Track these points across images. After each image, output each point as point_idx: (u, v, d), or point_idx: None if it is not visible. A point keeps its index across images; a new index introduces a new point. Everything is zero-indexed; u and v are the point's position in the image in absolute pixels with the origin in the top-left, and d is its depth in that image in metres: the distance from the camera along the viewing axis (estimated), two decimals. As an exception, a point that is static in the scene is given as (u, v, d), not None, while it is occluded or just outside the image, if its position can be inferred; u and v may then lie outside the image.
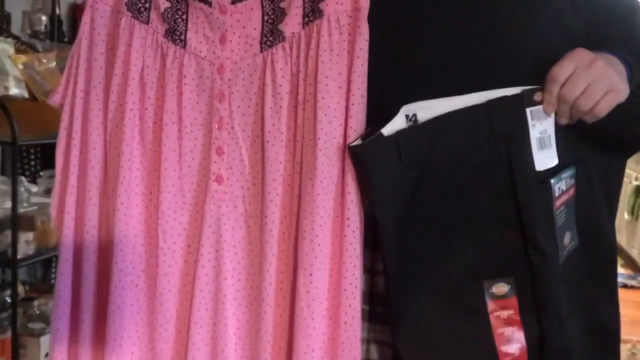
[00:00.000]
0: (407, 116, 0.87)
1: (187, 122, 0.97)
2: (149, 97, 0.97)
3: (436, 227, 0.88)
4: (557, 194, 0.88)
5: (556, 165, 0.89)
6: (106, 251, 1.00)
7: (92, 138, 0.98)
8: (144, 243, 0.99)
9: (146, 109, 0.97)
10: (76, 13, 2.71)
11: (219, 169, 0.96)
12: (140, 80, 0.97)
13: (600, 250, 0.96)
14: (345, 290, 0.90)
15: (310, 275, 0.90)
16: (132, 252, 0.98)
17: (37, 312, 2.23)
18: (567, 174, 0.91)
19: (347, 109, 0.92)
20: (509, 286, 0.86)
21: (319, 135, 0.90)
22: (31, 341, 2.08)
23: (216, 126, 0.96)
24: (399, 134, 0.86)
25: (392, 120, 0.87)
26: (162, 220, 0.97)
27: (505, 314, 0.85)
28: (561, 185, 0.89)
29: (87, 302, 1.00)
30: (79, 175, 0.99)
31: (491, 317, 0.85)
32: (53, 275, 2.50)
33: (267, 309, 0.93)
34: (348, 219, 0.91)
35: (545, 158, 0.88)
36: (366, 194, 0.90)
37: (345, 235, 0.90)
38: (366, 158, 0.87)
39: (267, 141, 0.93)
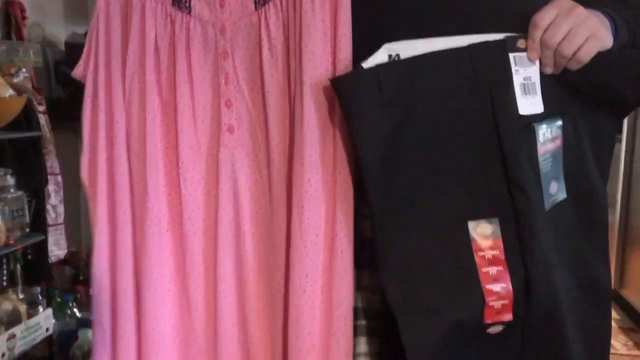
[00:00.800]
0: (390, 56, 0.87)
1: (197, 81, 1.05)
2: (163, 61, 1.06)
3: (420, 167, 0.87)
4: (541, 139, 0.88)
5: (542, 115, 0.90)
6: (133, 201, 1.09)
7: (116, 102, 1.08)
8: (170, 193, 1.07)
9: (162, 72, 1.06)
10: (8, 9, 2.67)
11: (230, 120, 1.04)
12: (155, 47, 1.05)
13: (591, 209, 0.96)
14: (341, 222, 0.96)
15: (302, 207, 0.97)
16: (162, 199, 1.06)
17: (-10, 313, 2.14)
18: (554, 124, 0.91)
19: (333, 54, 0.96)
20: (494, 227, 0.85)
21: (305, 80, 0.96)
22: (-14, 341, 1.99)
23: (223, 82, 1.04)
24: (380, 67, 0.86)
25: (374, 56, 0.87)
26: (182, 170, 1.06)
27: (490, 254, 0.84)
28: (546, 132, 0.89)
29: (125, 253, 1.08)
30: (106, 136, 1.08)
31: (476, 256, 0.84)
32: (5, 279, 2.40)
33: (279, 240, 1.02)
34: (335, 160, 0.96)
35: (529, 104, 0.88)
36: (349, 129, 0.89)
37: (340, 173, 0.97)
38: (347, 90, 0.87)
39: (267, 91, 1.01)
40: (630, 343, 2.74)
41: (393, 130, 0.86)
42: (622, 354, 2.65)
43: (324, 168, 0.96)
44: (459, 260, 0.85)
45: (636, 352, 2.66)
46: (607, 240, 1.00)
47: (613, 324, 2.87)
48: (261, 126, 1.03)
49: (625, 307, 2.99)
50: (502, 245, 0.84)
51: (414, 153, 0.87)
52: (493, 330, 0.87)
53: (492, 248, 0.84)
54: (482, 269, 0.83)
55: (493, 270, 0.83)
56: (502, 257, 0.84)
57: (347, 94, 0.87)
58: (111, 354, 1.09)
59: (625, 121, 3.09)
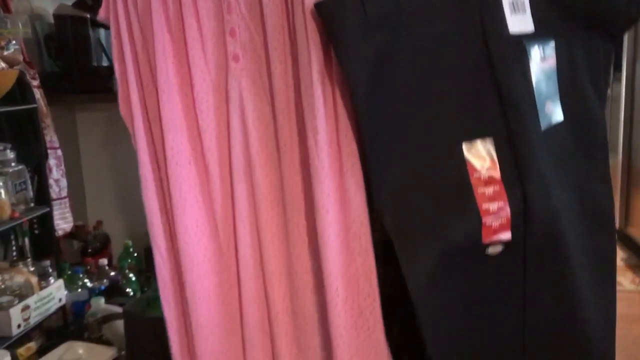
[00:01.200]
0: None
1: (202, 13, 1.08)
2: None
3: (411, 90, 0.87)
4: (533, 58, 0.87)
5: (534, 35, 0.89)
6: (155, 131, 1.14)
7: (137, 37, 1.11)
8: (188, 125, 1.11)
9: (168, 7, 1.09)
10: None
11: (234, 49, 1.06)
12: None
13: (589, 130, 0.95)
14: (343, 142, 0.98)
15: (316, 127, 0.97)
16: (180, 133, 1.10)
17: (2, 286, 2.16)
18: (546, 43, 0.90)
19: None
20: (488, 147, 0.85)
21: None
22: (0, 315, 2.01)
23: (226, 11, 1.06)
24: None
25: None
26: (197, 102, 1.09)
27: (485, 174, 0.84)
28: (538, 51, 0.88)
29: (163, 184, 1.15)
30: (135, 71, 1.13)
31: (471, 177, 0.84)
32: (14, 254, 2.42)
33: (286, 167, 1.05)
34: (332, 79, 0.96)
35: (519, 22, 0.87)
36: (336, 55, 0.88)
37: (338, 92, 0.97)
38: (330, 14, 0.86)
39: (266, 14, 1.03)
40: (637, 280, 2.75)
41: (380, 53, 0.86)
42: (630, 291, 2.67)
43: (324, 90, 0.97)
44: (454, 182, 0.85)
45: (644, 288, 2.68)
46: (607, 162, 0.99)
47: (620, 262, 2.88)
48: (263, 52, 1.04)
49: (632, 245, 2.99)
50: (497, 164, 0.84)
51: (403, 76, 0.87)
52: (492, 251, 0.87)
53: (487, 168, 0.84)
54: (478, 190, 0.83)
55: (489, 190, 0.83)
56: (498, 176, 0.84)
57: (331, 19, 0.86)
58: (169, 269, 1.17)
59: (624, 61, 3.05)
